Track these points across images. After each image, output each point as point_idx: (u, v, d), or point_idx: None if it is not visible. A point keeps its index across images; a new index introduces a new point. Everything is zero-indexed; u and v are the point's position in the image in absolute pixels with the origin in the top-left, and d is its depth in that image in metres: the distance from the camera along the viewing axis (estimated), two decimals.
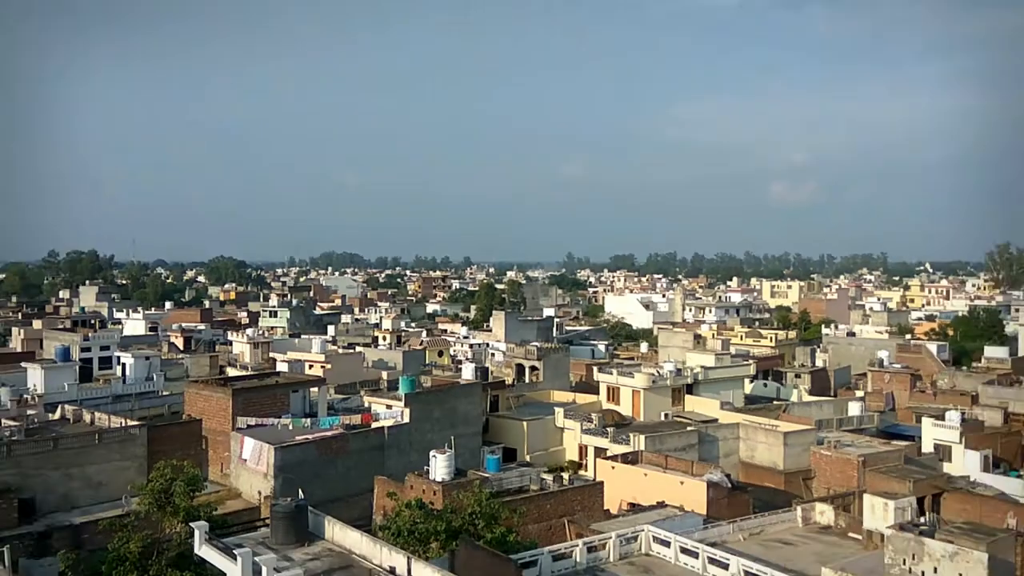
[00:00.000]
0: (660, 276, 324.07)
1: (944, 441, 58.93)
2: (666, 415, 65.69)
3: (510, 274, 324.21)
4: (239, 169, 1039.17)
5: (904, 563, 21.40)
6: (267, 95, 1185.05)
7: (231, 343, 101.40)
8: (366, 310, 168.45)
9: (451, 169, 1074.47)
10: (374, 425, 51.71)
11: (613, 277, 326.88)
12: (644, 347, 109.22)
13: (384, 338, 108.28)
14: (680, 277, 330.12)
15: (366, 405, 58.84)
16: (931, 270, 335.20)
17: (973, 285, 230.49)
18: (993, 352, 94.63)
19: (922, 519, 24.14)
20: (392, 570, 22.09)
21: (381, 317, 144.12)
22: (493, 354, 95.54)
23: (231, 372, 78.72)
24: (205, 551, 23.99)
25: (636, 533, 30.97)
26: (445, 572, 21.67)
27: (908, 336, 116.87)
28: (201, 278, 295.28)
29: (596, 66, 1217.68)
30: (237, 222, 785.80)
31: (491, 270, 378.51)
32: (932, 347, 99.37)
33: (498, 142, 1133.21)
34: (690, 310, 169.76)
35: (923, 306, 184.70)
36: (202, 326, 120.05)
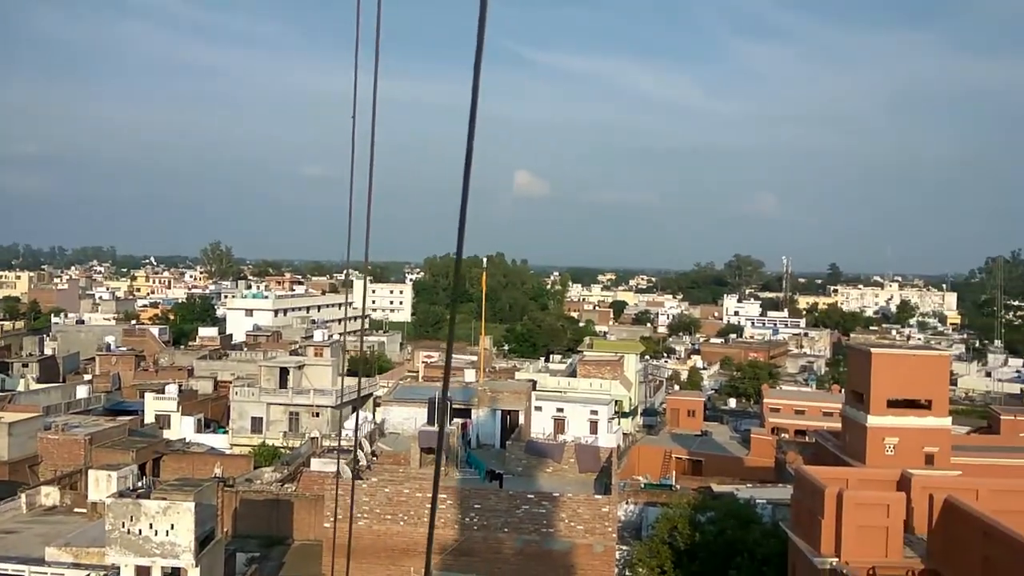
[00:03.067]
0: None
1: (164, 411, 60.93)
2: None
3: None
4: None
5: (123, 526, 21.63)
6: None
7: None
8: None
9: None
10: None
11: None
12: None
13: None
14: None
15: None
16: (155, 263, 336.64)
17: (191, 276, 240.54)
18: (206, 331, 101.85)
19: (140, 483, 24.70)
20: None
21: None
22: None
23: None
24: None
25: None
26: None
27: (134, 321, 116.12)
28: None
29: None
30: None
31: None
32: (155, 330, 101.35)
33: None
34: None
35: (148, 294, 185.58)
36: None
